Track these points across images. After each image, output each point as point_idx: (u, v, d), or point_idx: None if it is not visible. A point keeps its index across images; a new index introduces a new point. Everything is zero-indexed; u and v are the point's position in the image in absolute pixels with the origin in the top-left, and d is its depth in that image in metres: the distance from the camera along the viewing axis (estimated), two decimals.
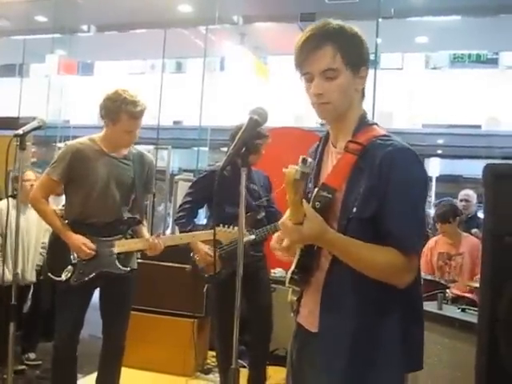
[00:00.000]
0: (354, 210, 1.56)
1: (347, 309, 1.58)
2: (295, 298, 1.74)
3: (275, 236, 1.69)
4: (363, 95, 1.70)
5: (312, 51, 1.59)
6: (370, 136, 1.62)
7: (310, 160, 1.45)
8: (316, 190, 1.63)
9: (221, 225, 3.12)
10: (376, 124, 1.69)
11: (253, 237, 3.47)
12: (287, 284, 1.68)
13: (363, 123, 1.67)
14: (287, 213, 1.51)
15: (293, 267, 1.65)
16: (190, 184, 4.03)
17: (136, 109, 2.97)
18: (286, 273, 1.70)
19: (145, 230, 3.26)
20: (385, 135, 1.62)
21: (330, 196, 1.60)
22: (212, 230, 3.08)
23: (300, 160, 1.44)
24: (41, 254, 4.42)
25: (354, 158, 1.60)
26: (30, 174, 4.25)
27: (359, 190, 1.56)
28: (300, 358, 1.76)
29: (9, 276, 3.90)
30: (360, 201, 1.55)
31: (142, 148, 3.36)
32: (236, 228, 3.06)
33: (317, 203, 1.60)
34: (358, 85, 1.65)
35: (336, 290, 1.60)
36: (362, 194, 1.55)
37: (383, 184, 1.53)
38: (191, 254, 3.67)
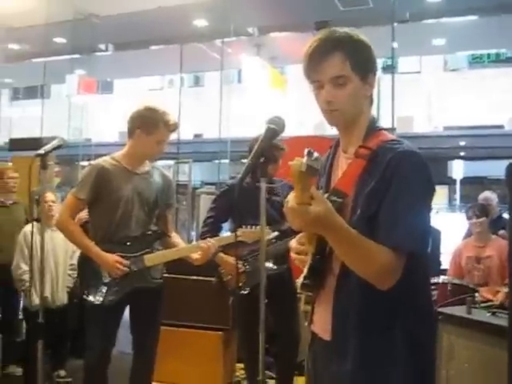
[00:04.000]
0: (359, 210, 1.55)
1: (356, 314, 1.56)
2: (309, 307, 1.72)
3: (296, 237, 1.67)
4: (372, 101, 1.71)
5: (321, 59, 1.60)
6: (379, 141, 1.62)
7: (316, 154, 1.36)
8: (326, 195, 1.62)
9: (243, 226, 3.13)
10: (384, 129, 1.70)
11: (276, 233, 3.41)
12: (299, 290, 1.65)
13: (372, 129, 1.67)
14: (290, 196, 1.41)
15: (304, 272, 1.62)
16: (212, 197, 4.05)
17: (174, 121, 3.17)
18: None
19: (178, 241, 3.30)
20: (394, 139, 1.63)
21: (340, 200, 1.59)
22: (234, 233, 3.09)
23: (305, 153, 1.35)
24: (70, 275, 4.39)
25: (363, 162, 1.60)
26: (49, 195, 4.24)
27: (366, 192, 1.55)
28: (315, 367, 1.74)
29: (36, 300, 3.94)
30: (364, 201, 1.55)
31: (162, 163, 3.41)
32: (258, 227, 3.06)
33: None
34: (367, 91, 1.66)
35: (346, 296, 1.58)
36: (367, 194, 1.54)
37: (386, 183, 1.52)
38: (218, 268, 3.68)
